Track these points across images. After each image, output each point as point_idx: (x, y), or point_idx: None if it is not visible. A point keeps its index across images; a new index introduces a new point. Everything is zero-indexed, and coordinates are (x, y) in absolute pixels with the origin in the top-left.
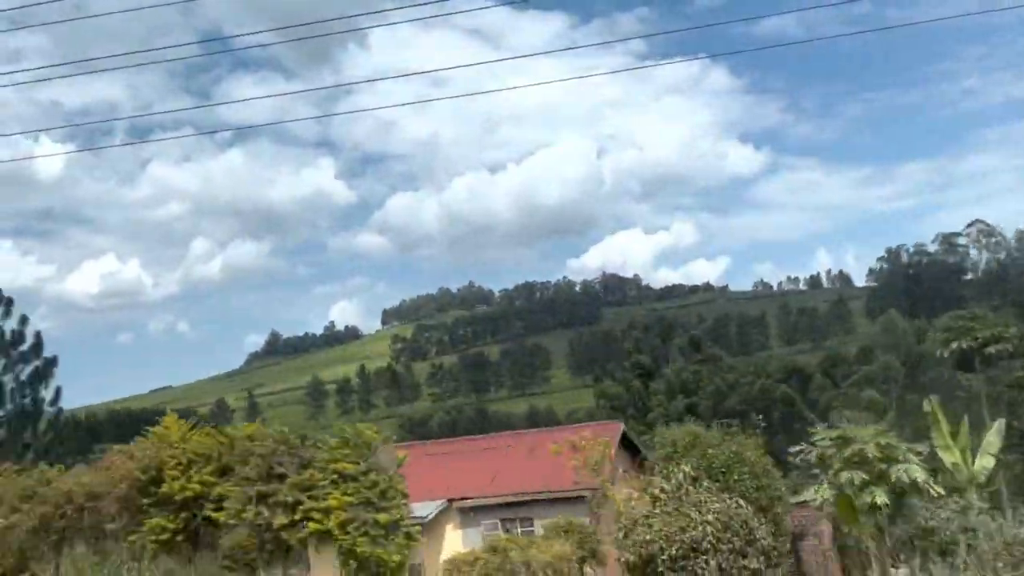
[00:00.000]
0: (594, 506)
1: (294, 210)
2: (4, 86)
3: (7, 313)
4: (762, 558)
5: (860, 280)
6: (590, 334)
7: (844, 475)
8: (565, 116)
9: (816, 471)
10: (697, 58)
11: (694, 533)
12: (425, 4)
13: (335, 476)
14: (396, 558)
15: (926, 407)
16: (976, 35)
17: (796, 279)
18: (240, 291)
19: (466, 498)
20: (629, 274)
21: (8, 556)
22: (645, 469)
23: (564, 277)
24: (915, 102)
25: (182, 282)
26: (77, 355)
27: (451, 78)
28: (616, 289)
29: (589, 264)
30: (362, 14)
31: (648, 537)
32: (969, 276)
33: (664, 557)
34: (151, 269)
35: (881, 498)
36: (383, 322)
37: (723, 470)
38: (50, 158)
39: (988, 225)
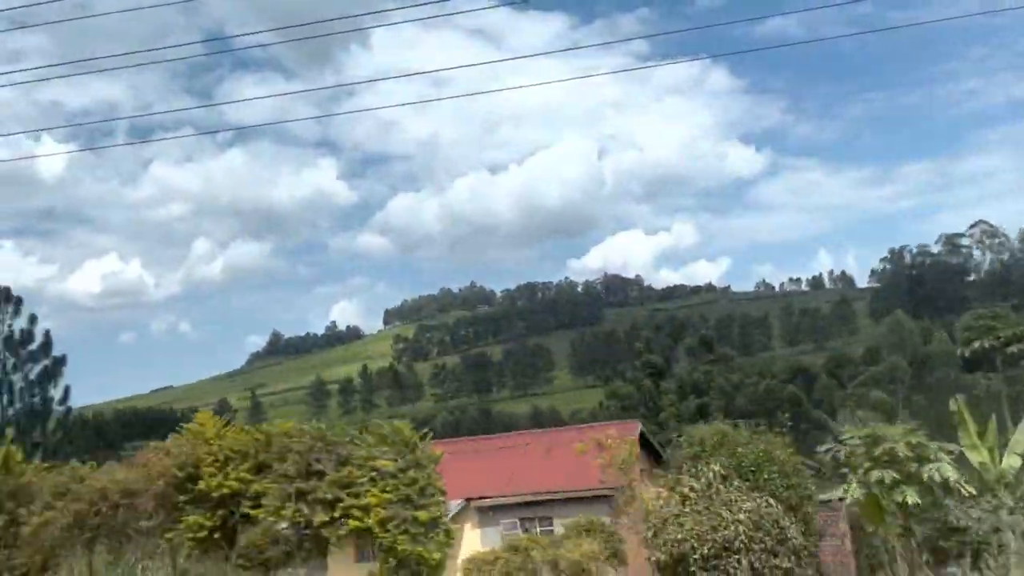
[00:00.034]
0: (622, 505)
1: (295, 210)
2: (4, 86)
3: (16, 312)
4: (793, 557)
5: (862, 281)
6: (592, 335)
7: (875, 474)
8: (566, 117)
9: (845, 470)
10: (698, 58)
11: (726, 532)
12: (426, 4)
13: (373, 473)
14: (436, 556)
15: (952, 406)
16: (978, 36)
17: (798, 280)
18: (241, 291)
19: (484, 497)
20: (630, 275)
21: (37, 553)
22: (671, 468)
23: (566, 278)
24: (917, 103)
25: (184, 282)
26: (79, 355)
27: (452, 78)
28: (618, 290)
29: (590, 265)
30: (364, 14)
31: (680, 536)
32: (972, 277)
33: (696, 556)
34: (153, 269)
35: (912, 497)
36: (384, 322)
37: (752, 469)
38: (52, 159)
39: (991, 226)
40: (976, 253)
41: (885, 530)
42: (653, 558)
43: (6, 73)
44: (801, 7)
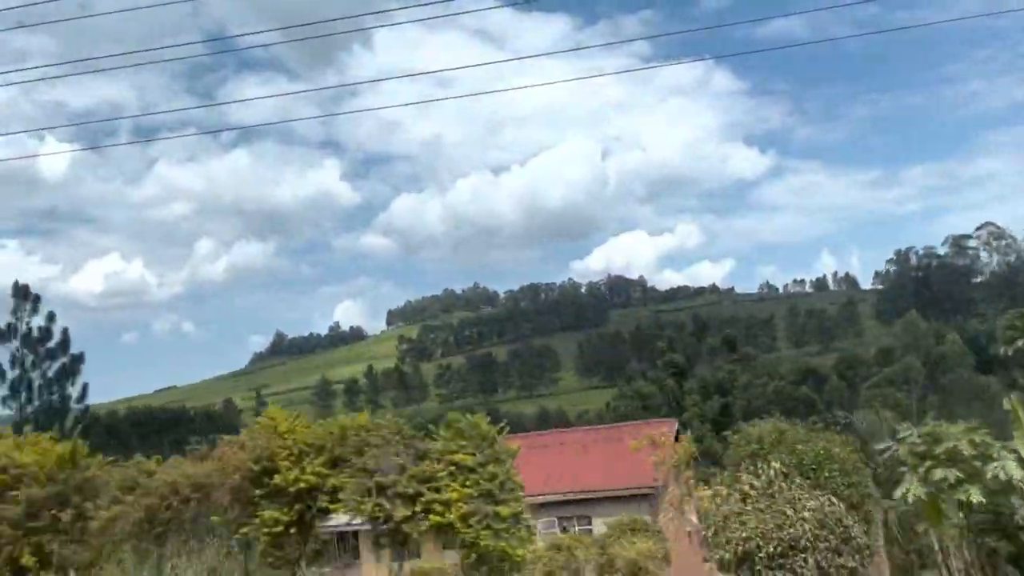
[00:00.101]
0: (678, 503)
1: (299, 210)
2: (6, 85)
3: (34, 310)
4: (857, 556)
5: (866, 283)
6: (597, 336)
7: (938, 472)
8: (569, 117)
9: (904, 468)
10: (702, 59)
11: (791, 531)
12: (429, 4)
13: (452, 467)
14: (520, 552)
15: (1006, 405)
16: (982, 38)
17: (802, 281)
18: (245, 291)
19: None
20: (633, 276)
21: (104, 548)
22: (727, 466)
23: (569, 279)
24: (921, 105)
25: (187, 282)
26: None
27: (455, 79)
28: (621, 291)
29: (593, 266)
30: (367, 14)
31: (743, 534)
32: (979, 278)
33: (762, 555)
34: (155, 269)
35: (976, 496)
36: (388, 323)
37: (813, 467)
38: (55, 159)
39: (998, 227)
40: (983, 255)
41: (941, 530)
42: (716, 556)
43: (8, 72)
44: (805, 8)
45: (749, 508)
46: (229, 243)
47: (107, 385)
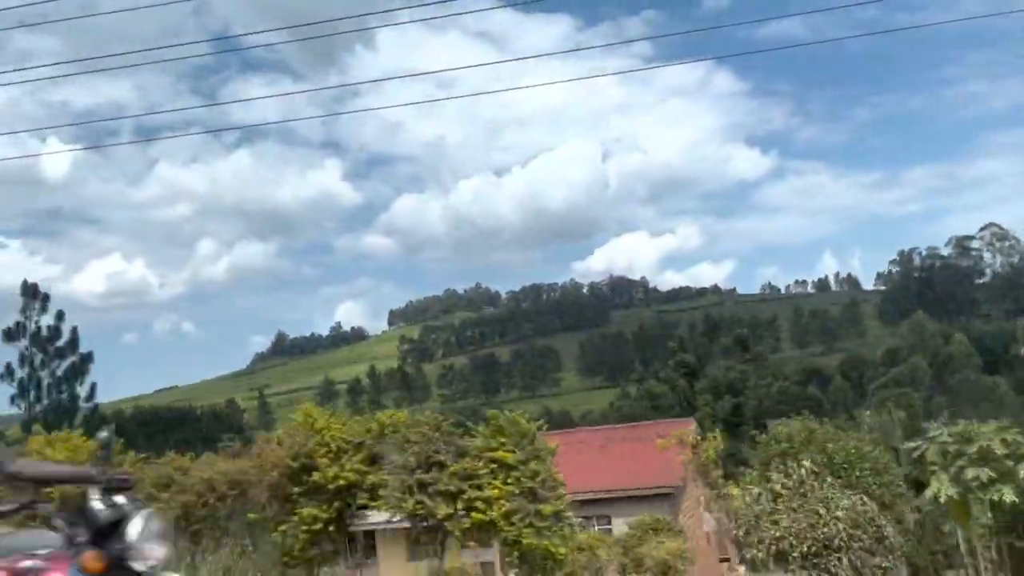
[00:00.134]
0: (708, 503)
1: (300, 211)
2: (7, 84)
3: (43, 309)
4: (890, 556)
5: (868, 283)
6: (600, 336)
7: (970, 472)
8: (570, 119)
9: (935, 467)
10: (703, 59)
11: (825, 530)
12: (431, 4)
13: (493, 465)
14: (563, 550)
15: None
16: (985, 39)
17: (804, 282)
18: (246, 292)
19: None
20: (635, 276)
21: None
22: (755, 465)
23: (571, 279)
24: (923, 106)
25: (188, 282)
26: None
27: (457, 80)
28: (623, 291)
29: (594, 267)
30: (369, 14)
31: (776, 534)
32: (983, 280)
33: (795, 554)
34: (157, 269)
35: (1009, 496)
36: (389, 323)
37: (844, 466)
38: (58, 160)
39: (1002, 228)
40: (986, 255)
41: (969, 529)
42: (748, 556)
43: (9, 72)
44: (806, 9)
45: (781, 507)
46: (230, 243)
47: (108, 385)
